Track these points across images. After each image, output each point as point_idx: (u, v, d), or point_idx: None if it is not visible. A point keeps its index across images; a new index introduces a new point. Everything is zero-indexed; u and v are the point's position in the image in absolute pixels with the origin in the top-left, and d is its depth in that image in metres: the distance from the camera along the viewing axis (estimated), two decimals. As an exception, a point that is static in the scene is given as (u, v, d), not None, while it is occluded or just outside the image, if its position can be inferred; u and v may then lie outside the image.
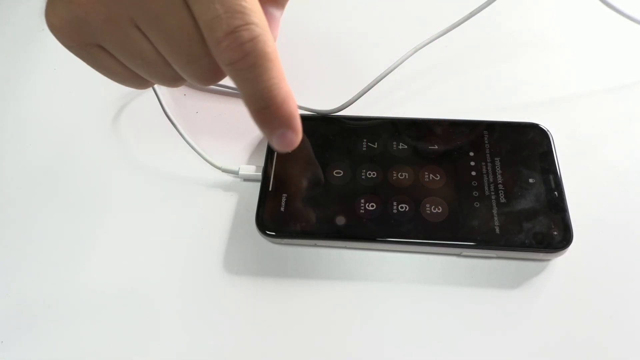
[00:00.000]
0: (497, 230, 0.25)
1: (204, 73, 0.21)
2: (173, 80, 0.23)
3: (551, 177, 0.27)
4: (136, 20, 0.20)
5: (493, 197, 0.26)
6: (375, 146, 0.29)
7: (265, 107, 0.20)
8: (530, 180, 0.27)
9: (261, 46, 0.19)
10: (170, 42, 0.20)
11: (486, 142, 0.28)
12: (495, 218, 0.26)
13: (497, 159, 0.28)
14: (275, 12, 0.22)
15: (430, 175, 0.27)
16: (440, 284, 0.26)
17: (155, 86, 0.32)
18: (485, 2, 0.29)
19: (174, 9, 0.19)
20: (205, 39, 0.19)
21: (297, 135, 0.21)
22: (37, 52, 0.37)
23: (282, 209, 0.27)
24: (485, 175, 0.27)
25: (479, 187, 0.27)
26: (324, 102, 0.31)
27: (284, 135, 0.21)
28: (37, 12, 0.40)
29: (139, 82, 0.23)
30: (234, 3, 0.18)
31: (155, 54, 0.21)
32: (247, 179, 0.29)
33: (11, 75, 0.36)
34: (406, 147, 0.29)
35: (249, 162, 0.30)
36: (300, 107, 0.31)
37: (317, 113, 0.31)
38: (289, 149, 0.22)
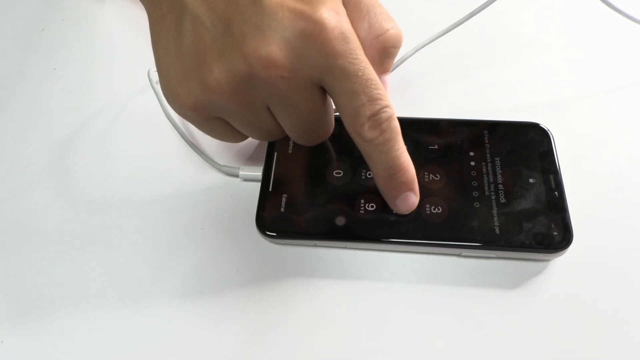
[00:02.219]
0: (497, 231, 0.25)
1: (315, 139, 0.25)
2: (275, 138, 0.26)
3: (551, 177, 0.27)
4: (269, 105, 0.23)
5: (493, 197, 0.26)
6: (375, 146, 0.29)
7: (394, 173, 0.24)
8: (531, 180, 0.27)
9: (394, 124, 0.23)
10: (298, 122, 0.24)
11: (486, 141, 0.28)
12: (495, 218, 0.26)
13: (498, 158, 0.28)
14: (386, 78, 0.27)
15: (430, 175, 0.27)
16: (440, 284, 0.26)
17: (155, 87, 0.32)
18: (486, 2, 0.29)
19: (310, 98, 0.22)
20: (345, 120, 0.23)
21: (418, 198, 0.25)
22: (37, 52, 0.37)
23: (282, 209, 0.27)
24: (485, 175, 0.27)
25: (479, 187, 0.27)
26: (324, 102, 0.31)
27: (407, 197, 0.25)
28: (37, 12, 0.40)
29: (240, 139, 0.27)
30: (375, 93, 0.22)
31: (275, 125, 0.24)
32: (247, 179, 0.29)
33: (11, 75, 0.36)
34: (406, 147, 0.29)
35: (249, 163, 0.30)
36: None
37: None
38: (410, 210, 0.26)
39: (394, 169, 0.24)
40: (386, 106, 0.22)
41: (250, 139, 0.28)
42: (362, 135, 0.23)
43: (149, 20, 0.24)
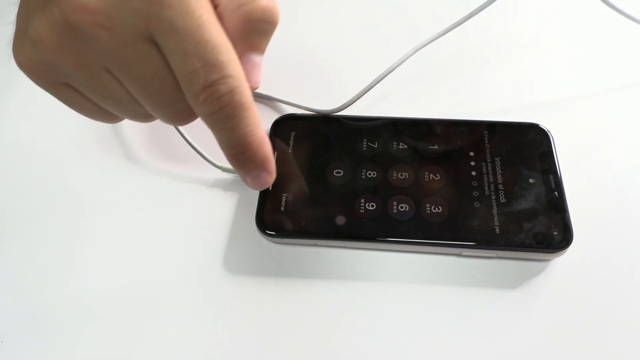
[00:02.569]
0: (497, 230, 0.25)
1: (176, 115, 0.21)
2: (144, 117, 0.23)
3: (551, 177, 0.27)
4: (108, 67, 0.20)
5: (493, 197, 0.26)
6: (375, 146, 0.29)
7: (240, 152, 0.21)
8: (531, 181, 0.27)
9: (237, 97, 0.19)
10: (143, 88, 0.20)
11: (486, 142, 0.28)
12: (496, 218, 0.26)
13: (497, 159, 0.28)
14: (255, 58, 0.22)
15: (430, 175, 0.27)
16: (440, 284, 0.26)
17: None
18: (486, 2, 0.29)
19: (147, 58, 0.19)
20: (181, 88, 0.19)
21: (272, 176, 0.23)
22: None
23: (282, 208, 0.27)
24: (485, 175, 0.27)
25: (479, 187, 0.27)
26: (324, 102, 0.31)
27: (258, 176, 0.22)
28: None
29: (109, 117, 0.23)
30: (211, 57, 0.18)
31: (127, 95, 0.21)
32: (247, 178, 0.29)
33: (11, 75, 0.36)
34: (406, 147, 0.29)
35: (249, 162, 0.30)
36: (301, 107, 0.31)
37: (318, 113, 0.31)
38: (263, 188, 0.23)
39: (240, 149, 0.21)
40: (227, 76, 0.19)
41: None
42: (196, 108, 0.20)
43: None
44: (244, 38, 0.21)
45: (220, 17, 0.20)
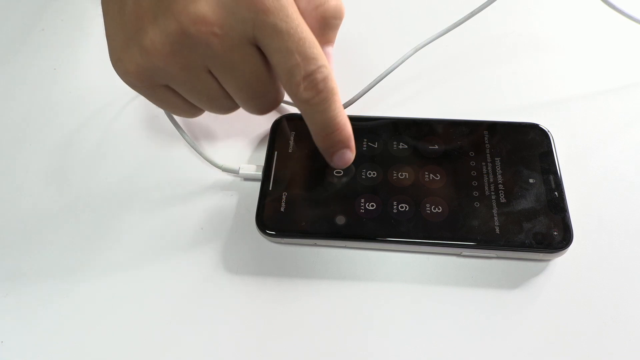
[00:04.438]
0: (497, 230, 0.25)
1: (265, 106, 0.25)
2: (229, 109, 0.26)
3: (551, 177, 0.27)
4: (210, 68, 0.23)
5: (493, 197, 0.26)
6: (376, 146, 0.29)
7: (331, 131, 0.24)
8: (531, 181, 0.27)
9: (330, 84, 0.23)
10: (242, 85, 0.23)
11: (486, 142, 0.28)
12: (496, 218, 0.26)
13: (498, 159, 0.28)
14: (329, 49, 0.27)
15: (431, 175, 0.27)
16: (440, 284, 0.26)
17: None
18: (486, 2, 0.29)
19: (249, 59, 0.22)
20: (281, 81, 0.23)
21: (354, 154, 0.26)
22: (37, 52, 0.37)
23: (282, 208, 0.27)
24: (485, 175, 0.27)
25: (479, 187, 0.27)
26: (324, 102, 0.31)
27: (344, 154, 0.26)
28: (37, 12, 0.40)
29: (193, 112, 0.27)
30: (309, 52, 0.22)
31: (221, 92, 0.24)
32: (247, 178, 0.29)
33: (11, 75, 0.36)
34: (406, 147, 0.29)
35: (250, 162, 0.30)
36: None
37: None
38: (346, 166, 0.26)
39: (331, 128, 0.24)
40: (322, 65, 0.22)
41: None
42: (298, 95, 0.23)
43: None
44: (321, 33, 0.25)
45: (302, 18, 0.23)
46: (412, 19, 0.36)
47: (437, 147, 0.29)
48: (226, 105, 0.25)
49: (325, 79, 0.23)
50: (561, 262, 0.26)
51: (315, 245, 0.27)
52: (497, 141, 0.28)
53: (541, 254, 0.25)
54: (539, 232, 0.25)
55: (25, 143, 0.32)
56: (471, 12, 0.30)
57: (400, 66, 0.30)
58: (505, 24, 0.36)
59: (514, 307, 0.25)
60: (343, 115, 0.24)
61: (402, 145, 0.29)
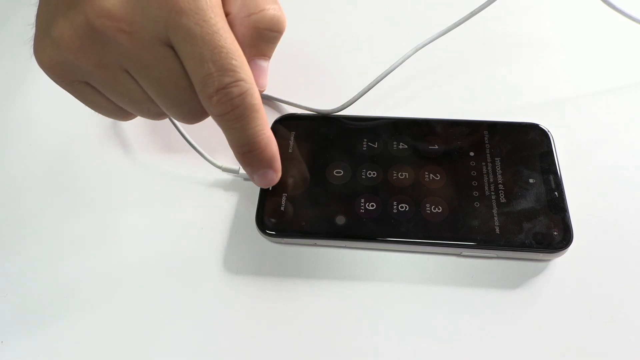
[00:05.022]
0: (497, 230, 0.25)
1: (188, 114, 0.23)
2: (157, 115, 0.24)
3: (551, 177, 0.27)
4: (126, 68, 0.21)
5: (493, 197, 0.26)
6: (375, 146, 0.29)
7: (249, 150, 0.23)
8: (531, 181, 0.27)
9: (248, 100, 0.21)
10: (159, 88, 0.22)
11: (486, 142, 0.28)
12: (496, 218, 0.26)
13: (498, 159, 0.28)
14: (263, 63, 0.24)
15: (431, 175, 0.27)
16: (440, 284, 0.26)
17: None
18: (486, 2, 0.29)
19: (164, 61, 0.21)
20: (195, 89, 0.21)
21: (277, 174, 0.25)
22: (38, 52, 0.37)
23: (282, 208, 0.27)
24: (485, 175, 0.27)
25: (479, 187, 0.27)
26: (324, 102, 0.31)
27: (265, 174, 0.24)
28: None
29: (122, 114, 0.25)
30: (225, 62, 0.20)
31: (142, 94, 0.22)
32: (247, 178, 0.29)
33: (11, 75, 0.36)
34: (406, 147, 0.29)
35: (249, 162, 0.30)
36: (301, 107, 0.31)
37: (318, 113, 0.31)
38: (269, 186, 0.25)
39: (248, 147, 0.23)
40: (239, 79, 0.20)
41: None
42: (210, 108, 0.21)
43: None
44: (253, 44, 0.23)
45: (231, 25, 0.21)
46: (412, 19, 0.36)
47: (437, 147, 0.29)
48: (152, 110, 0.23)
49: (243, 95, 0.21)
50: (561, 262, 0.26)
51: (315, 245, 0.27)
52: (497, 141, 0.28)
53: (541, 254, 0.25)
54: (539, 232, 0.25)
55: (25, 143, 0.32)
56: (471, 12, 0.30)
57: (400, 66, 0.30)
58: (505, 24, 0.36)
59: (514, 307, 0.25)
60: (263, 134, 0.23)
61: (402, 145, 0.29)
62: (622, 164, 0.29)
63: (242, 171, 0.29)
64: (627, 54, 0.34)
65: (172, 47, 0.20)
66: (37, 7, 0.22)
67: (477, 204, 0.26)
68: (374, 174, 0.28)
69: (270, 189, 0.27)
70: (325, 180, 0.28)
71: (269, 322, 0.25)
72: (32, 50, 0.22)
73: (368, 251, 0.27)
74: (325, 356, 0.24)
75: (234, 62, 0.20)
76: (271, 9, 0.22)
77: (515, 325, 0.24)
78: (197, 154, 0.30)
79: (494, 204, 0.26)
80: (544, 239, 0.25)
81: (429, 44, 0.30)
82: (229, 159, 0.30)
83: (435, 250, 0.26)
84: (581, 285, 0.25)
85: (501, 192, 0.27)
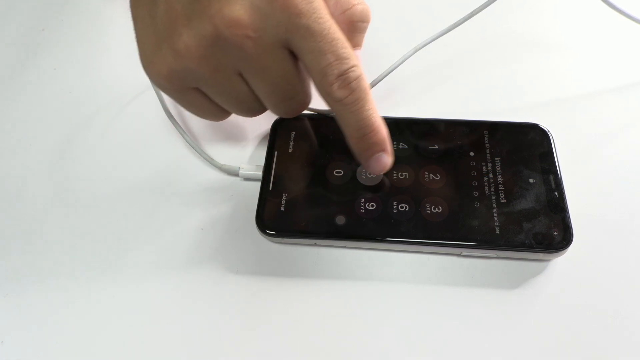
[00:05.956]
0: (497, 230, 0.25)
1: (293, 108, 0.26)
2: (256, 112, 0.26)
3: (551, 177, 0.27)
4: (241, 70, 0.23)
5: (493, 197, 0.26)
6: (376, 146, 0.29)
7: (367, 133, 0.24)
8: (531, 181, 0.27)
9: (363, 83, 0.23)
10: (272, 87, 0.24)
11: (486, 142, 0.28)
12: (496, 218, 0.26)
13: (498, 159, 0.28)
14: (357, 53, 0.27)
15: (431, 175, 0.27)
16: (440, 284, 0.26)
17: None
18: (486, 2, 0.29)
19: (280, 62, 0.23)
20: (314, 81, 0.23)
21: (391, 158, 0.25)
22: (37, 52, 0.37)
23: (282, 208, 0.27)
24: (485, 175, 0.27)
25: (479, 187, 0.27)
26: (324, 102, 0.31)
27: (379, 158, 0.25)
28: (37, 12, 0.40)
29: (221, 115, 0.27)
30: (341, 52, 0.22)
31: (250, 94, 0.25)
32: (247, 178, 0.29)
33: (11, 75, 0.36)
34: (406, 147, 0.29)
35: (250, 162, 0.30)
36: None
37: (318, 113, 0.31)
38: (384, 171, 0.26)
39: (366, 129, 0.24)
40: (354, 65, 0.23)
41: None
42: (331, 94, 0.23)
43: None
44: (349, 37, 0.24)
45: None
46: (412, 19, 0.36)
47: (437, 147, 0.29)
48: (254, 108, 0.25)
49: (358, 78, 0.23)
50: (561, 262, 0.26)
51: (315, 245, 0.27)
52: (497, 141, 0.28)
53: (541, 254, 0.25)
54: (539, 232, 0.25)
55: (25, 143, 0.32)
56: (471, 12, 0.30)
57: (400, 66, 0.30)
58: (505, 24, 0.36)
59: (514, 307, 0.25)
60: (377, 117, 0.24)
61: (402, 145, 0.29)
62: (622, 164, 0.29)
63: (242, 171, 0.29)
64: (627, 54, 0.34)
65: (287, 48, 0.23)
66: (134, 25, 0.24)
67: (477, 204, 0.26)
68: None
69: (270, 188, 0.27)
70: (325, 180, 0.28)
71: (269, 322, 0.25)
72: (141, 63, 0.24)
73: (368, 251, 0.27)
74: (325, 356, 0.24)
75: (347, 50, 0.22)
76: (360, 4, 0.26)
77: (515, 325, 0.24)
78: (197, 154, 0.30)
79: (494, 204, 0.26)
80: (544, 239, 0.25)
81: (429, 44, 0.30)
82: (229, 159, 0.30)
83: (435, 250, 0.26)
84: (581, 285, 0.25)
85: (501, 192, 0.27)
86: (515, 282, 0.25)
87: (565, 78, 0.33)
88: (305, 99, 0.26)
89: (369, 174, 0.28)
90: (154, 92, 0.32)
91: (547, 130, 0.28)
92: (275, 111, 0.26)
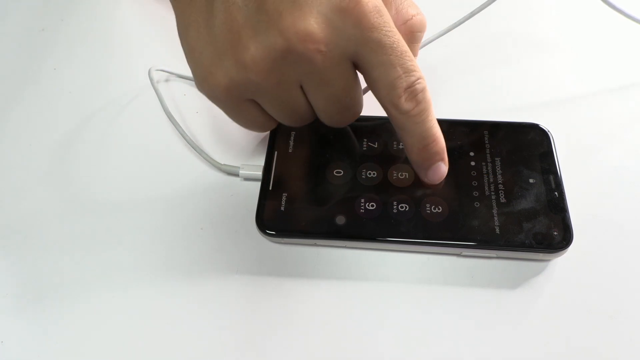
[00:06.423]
0: (497, 230, 0.25)
1: (347, 119, 0.26)
2: (306, 121, 0.26)
3: (551, 177, 0.27)
4: (303, 82, 0.23)
5: (493, 197, 0.26)
6: (375, 146, 0.29)
7: (429, 143, 0.24)
8: (531, 181, 0.27)
9: (428, 95, 0.23)
10: (332, 99, 0.24)
11: (486, 142, 0.28)
12: (496, 218, 0.26)
13: (498, 159, 0.28)
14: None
15: (431, 175, 0.27)
16: (440, 284, 0.26)
17: (156, 86, 0.32)
18: (486, 2, 0.29)
19: (346, 74, 0.23)
20: (380, 94, 0.23)
21: (447, 167, 0.26)
22: (37, 52, 0.37)
23: (282, 208, 0.27)
24: (485, 175, 0.27)
25: (479, 187, 0.27)
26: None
27: (438, 167, 0.25)
28: (37, 12, 0.40)
29: (269, 126, 0.27)
30: (409, 64, 0.22)
31: (307, 105, 0.25)
32: (247, 178, 0.29)
33: (11, 75, 0.36)
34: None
35: (250, 162, 0.30)
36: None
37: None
38: (440, 180, 0.26)
39: (429, 139, 0.24)
40: (420, 77, 0.23)
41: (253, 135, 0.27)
42: (399, 107, 0.23)
43: (174, 6, 0.24)
44: (408, 47, 0.24)
45: None
46: (412, 19, 0.36)
47: (437, 147, 0.29)
48: (306, 118, 0.26)
49: (424, 90, 0.23)
50: (561, 262, 0.26)
51: (315, 245, 0.27)
52: (497, 141, 0.28)
53: (541, 254, 0.25)
54: (539, 232, 0.25)
55: (25, 143, 0.32)
56: (471, 12, 0.30)
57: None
58: (505, 24, 0.36)
59: (514, 307, 0.25)
60: (438, 127, 0.24)
61: (402, 145, 0.29)
62: (622, 164, 0.29)
63: (242, 171, 0.29)
64: (627, 54, 0.34)
65: (353, 60, 0.23)
66: (184, 33, 0.23)
67: (477, 204, 0.26)
68: (374, 174, 0.28)
69: (270, 188, 0.27)
70: (325, 180, 0.28)
71: (269, 322, 0.25)
72: (194, 74, 0.23)
73: (368, 251, 0.27)
74: (325, 356, 0.24)
75: (414, 63, 0.23)
76: (419, 15, 0.26)
77: (515, 325, 0.24)
78: (197, 154, 0.30)
79: (494, 204, 0.26)
80: (544, 239, 0.25)
81: (429, 44, 0.30)
82: (229, 159, 0.30)
83: (435, 250, 0.26)
84: (581, 285, 0.25)
85: (501, 192, 0.27)
86: (515, 282, 0.25)
87: (565, 78, 0.33)
88: (359, 110, 0.26)
89: (369, 174, 0.28)
90: (154, 92, 0.32)
91: (547, 130, 0.28)
92: (328, 121, 0.26)
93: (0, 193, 0.30)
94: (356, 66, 0.23)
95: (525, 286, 0.25)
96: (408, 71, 0.22)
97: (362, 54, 0.22)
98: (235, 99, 0.24)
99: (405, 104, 0.23)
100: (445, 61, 0.34)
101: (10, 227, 0.29)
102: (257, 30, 0.21)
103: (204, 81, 0.23)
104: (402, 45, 0.22)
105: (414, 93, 0.23)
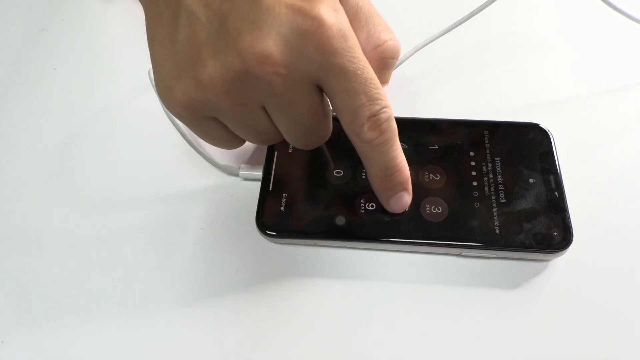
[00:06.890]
0: (497, 231, 0.25)
1: (313, 142, 0.25)
2: (272, 141, 0.25)
3: (552, 177, 0.27)
4: (265, 105, 0.22)
5: (493, 197, 0.26)
6: (376, 146, 0.29)
7: (391, 173, 0.24)
8: (531, 181, 0.27)
9: (392, 124, 0.23)
10: (295, 123, 0.23)
11: (486, 142, 0.28)
12: (496, 218, 0.26)
13: (498, 159, 0.28)
14: (386, 88, 0.27)
15: (430, 175, 0.27)
16: (440, 284, 0.26)
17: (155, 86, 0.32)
18: (486, 2, 0.29)
19: (308, 98, 0.22)
20: (343, 121, 0.22)
21: (411, 197, 0.25)
22: (37, 52, 0.37)
23: (282, 208, 0.27)
24: (485, 175, 0.27)
25: (479, 187, 0.27)
26: (324, 102, 0.31)
27: (401, 197, 0.25)
28: (37, 12, 0.40)
29: (236, 144, 0.26)
30: (374, 92, 0.22)
31: (271, 127, 0.24)
32: (247, 178, 0.29)
33: (11, 75, 0.36)
34: (406, 146, 0.29)
35: (250, 162, 0.30)
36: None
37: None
38: (402, 210, 0.26)
39: (392, 169, 0.24)
40: (385, 106, 0.22)
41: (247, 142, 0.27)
42: (361, 136, 0.22)
43: (145, 17, 0.23)
44: (378, 74, 0.24)
45: None
46: (412, 19, 0.36)
47: (437, 147, 0.29)
48: (272, 138, 0.25)
49: (388, 119, 0.22)
50: (561, 262, 0.26)
51: (315, 245, 0.27)
52: (497, 141, 0.28)
53: (541, 254, 0.25)
54: (539, 232, 0.25)
55: (25, 143, 0.32)
56: (471, 12, 0.30)
57: (400, 66, 0.30)
58: (505, 24, 0.36)
59: (514, 307, 0.25)
60: (402, 157, 0.24)
61: (402, 145, 0.29)
62: (622, 164, 0.29)
63: (242, 171, 0.29)
64: (627, 54, 0.34)
65: (316, 84, 0.22)
66: (150, 46, 0.23)
67: (477, 204, 0.26)
68: (374, 174, 0.28)
69: (270, 189, 0.27)
70: (325, 180, 0.28)
71: (269, 322, 0.25)
72: (156, 87, 0.23)
73: (368, 251, 0.27)
74: (325, 356, 0.24)
75: (380, 91, 0.22)
76: (391, 40, 0.25)
77: (515, 325, 0.24)
78: (197, 154, 0.30)
79: (494, 204, 0.26)
80: (544, 239, 0.25)
81: (429, 44, 0.30)
82: (229, 159, 0.30)
83: (435, 250, 0.26)
84: (581, 285, 0.25)
85: (501, 192, 0.27)
86: (515, 282, 0.25)
87: (565, 78, 0.33)
88: (326, 134, 0.25)
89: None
90: (154, 92, 0.32)
91: (547, 130, 0.28)
92: (293, 143, 0.25)
93: (0, 193, 0.30)
94: (322, 90, 0.22)
95: (525, 286, 0.25)
96: (372, 99, 0.22)
97: (325, 79, 0.21)
98: (196, 116, 0.23)
99: (368, 133, 0.22)
100: (445, 61, 0.34)
101: (10, 226, 0.29)
102: (216, 49, 0.20)
103: (164, 96, 0.22)
104: (368, 72, 0.21)
105: (378, 122, 0.22)
